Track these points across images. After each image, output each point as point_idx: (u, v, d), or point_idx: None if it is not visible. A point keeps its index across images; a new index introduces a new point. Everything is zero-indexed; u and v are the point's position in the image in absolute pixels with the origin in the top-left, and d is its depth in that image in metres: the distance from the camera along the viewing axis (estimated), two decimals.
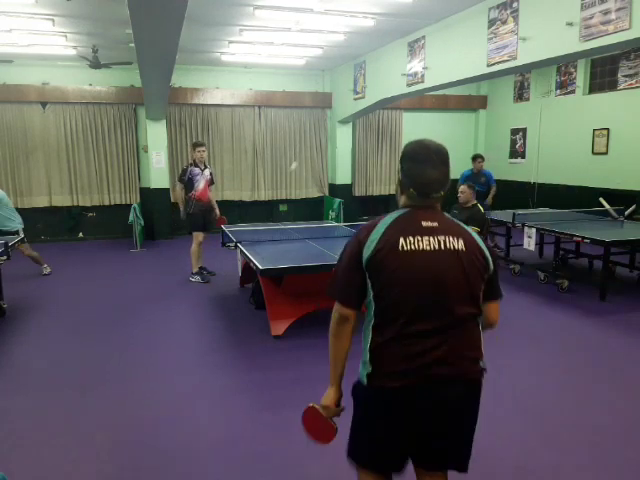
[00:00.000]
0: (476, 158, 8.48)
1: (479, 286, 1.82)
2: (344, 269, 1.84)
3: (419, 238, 1.76)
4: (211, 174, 6.98)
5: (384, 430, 1.83)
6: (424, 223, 1.79)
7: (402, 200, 1.90)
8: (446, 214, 1.88)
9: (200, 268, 7.01)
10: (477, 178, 8.20)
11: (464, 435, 1.89)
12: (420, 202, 1.83)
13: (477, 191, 7.58)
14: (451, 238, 1.79)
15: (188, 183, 6.70)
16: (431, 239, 1.77)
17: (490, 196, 8.44)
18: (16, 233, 6.60)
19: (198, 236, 6.75)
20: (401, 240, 1.75)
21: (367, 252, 1.76)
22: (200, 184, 6.71)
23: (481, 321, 1.88)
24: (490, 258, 1.85)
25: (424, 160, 1.80)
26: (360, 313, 1.86)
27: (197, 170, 6.72)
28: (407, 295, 1.75)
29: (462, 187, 6.29)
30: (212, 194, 7.22)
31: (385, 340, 1.77)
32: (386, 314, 1.78)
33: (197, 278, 6.80)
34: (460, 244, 1.79)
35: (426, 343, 1.75)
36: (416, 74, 7.72)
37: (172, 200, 9.71)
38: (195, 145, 6.90)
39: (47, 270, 7.28)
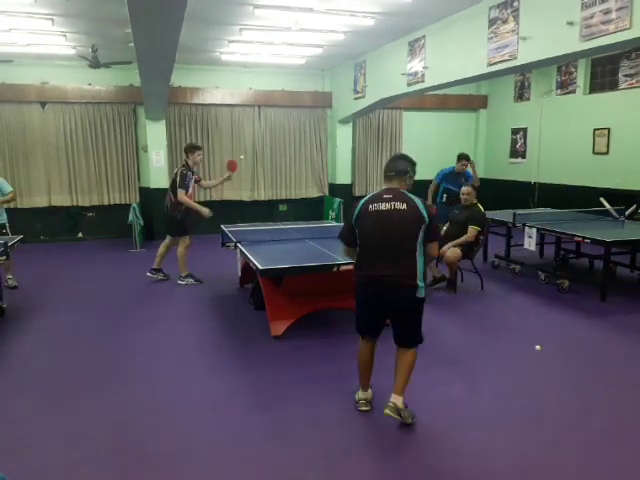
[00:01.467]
0: (461, 159, 7.85)
1: (417, 232, 3.11)
2: (345, 225, 3.44)
3: (380, 204, 3.17)
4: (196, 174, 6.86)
5: (363, 303, 3.33)
6: (384, 196, 3.19)
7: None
8: (401, 190, 3.21)
9: (157, 269, 6.94)
10: (457, 178, 7.75)
11: (404, 326, 3.25)
12: (386, 182, 3.27)
13: (454, 192, 7.40)
14: (399, 203, 3.14)
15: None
16: (387, 204, 3.15)
17: None
18: (3, 227, 6.50)
19: (186, 240, 6.67)
20: (370, 206, 3.20)
21: (354, 214, 3.25)
22: (191, 188, 6.64)
23: (425, 254, 3.19)
24: (426, 215, 3.11)
25: (391, 160, 3.38)
26: (356, 248, 3.32)
27: (190, 174, 6.60)
28: (370, 236, 3.20)
29: (465, 189, 6.33)
30: (208, 182, 8.10)
31: (361, 258, 3.28)
32: (362, 246, 3.26)
33: (189, 280, 6.73)
34: (404, 206, 3.13)
35: (380, 264, 3.15)
36: (416, 74, 7.70)
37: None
38: (195, 148, 6.66)
39: (13, 282, 6.59)
